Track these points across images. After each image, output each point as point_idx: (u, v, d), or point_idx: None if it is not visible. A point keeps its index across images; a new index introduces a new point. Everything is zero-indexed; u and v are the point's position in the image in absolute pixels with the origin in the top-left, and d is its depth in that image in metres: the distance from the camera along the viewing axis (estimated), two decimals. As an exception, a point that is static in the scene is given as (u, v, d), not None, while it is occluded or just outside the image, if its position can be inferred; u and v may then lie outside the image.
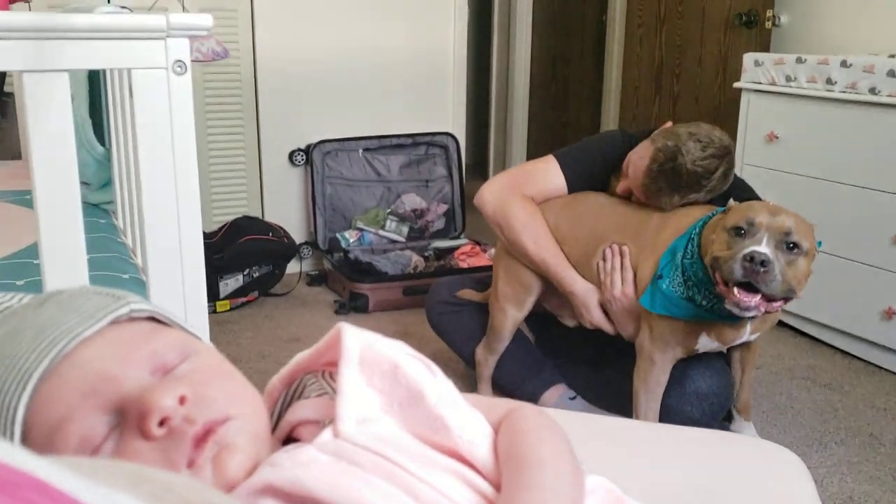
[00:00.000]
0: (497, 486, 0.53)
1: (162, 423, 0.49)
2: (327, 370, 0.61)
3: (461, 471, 0.52)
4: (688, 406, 1.84)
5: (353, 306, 2.88)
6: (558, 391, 2.11)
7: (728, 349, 1.91)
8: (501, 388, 2.14)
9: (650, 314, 1.77)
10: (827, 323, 2.54)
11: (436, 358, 2.25)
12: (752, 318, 1.70)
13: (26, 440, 0.49)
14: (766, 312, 1.58)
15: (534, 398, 2.10)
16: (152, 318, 0.58)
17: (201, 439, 0.50)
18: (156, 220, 0.99)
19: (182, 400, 0.50)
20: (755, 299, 1.53)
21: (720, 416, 1.92)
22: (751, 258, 1.49)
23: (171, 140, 0.96)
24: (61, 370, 0.50)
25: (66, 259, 0.93)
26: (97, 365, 0.51)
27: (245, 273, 2.89)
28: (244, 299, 2.92)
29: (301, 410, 0.59)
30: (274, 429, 0.60)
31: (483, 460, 0.54)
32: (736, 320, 1.70)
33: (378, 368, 0.56)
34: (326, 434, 0.53)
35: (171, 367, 0.54)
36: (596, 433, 1.28)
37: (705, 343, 1.76)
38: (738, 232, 1.56)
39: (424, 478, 0.50)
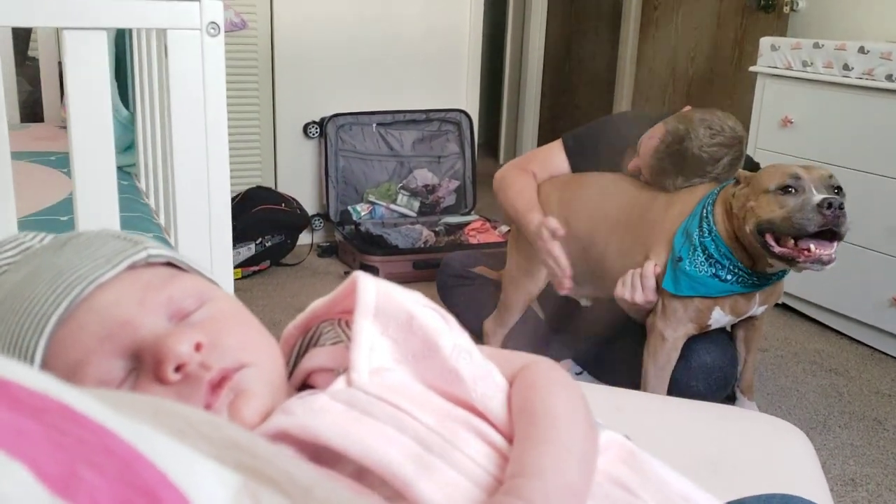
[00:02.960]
0: (510, 440, 0.52)
1: (178, 368, 0.49)
2: (343, 318, 0.61)
3: (474, 423, 0.52)
4: (693, 380, 1.87)
5: (363, 279, 2.89)
6: (565, 366, 2.14)
7: (732, 328, 1.93)
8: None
9: (664, 292, 1.79)
10: (835, 309, 2.56)
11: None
12: (770, 284, 1.73)
13: None
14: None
15: (542, 373, 2.12)
16: (170, 264, 0.58)
17: (217, 385, 0.51)
18: (186, 182, 1.00)
19: (198, 346, 0.50)
20: (834, 248, 1.57)
21: (725, 391, 1.95)
22: (829, 204, 1.52)
23: (203, 101, 0.97)
24: (78, 315, 0.51)
25: (99, 215, 0.96)
26: (113, 310, 0.51)
27: (257, 242, 2.92)
28: (256, 268, 2.94)
29: (316, 358, 0.59)
30: (290, 375, 0.60)
31: (496, 413, 0.53)
32: (758, 288, 1.74)
33: (393, 318, 0.56)
34: (340, 383, 0.52)
35: (188, 313, 0.54)
36: (602, 403, 1.30)
37: (718, 318, 1.79)
38: (786, 190, 1.59)
39: (436, 428, 0.49)
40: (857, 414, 2.08)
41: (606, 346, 2.12)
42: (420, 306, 0.57)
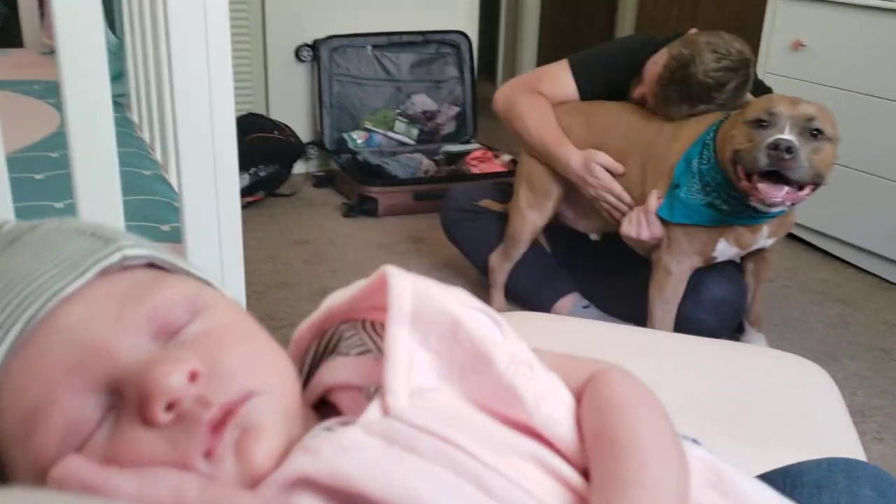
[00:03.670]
0: (582, 471, 0.44)
1: (169, 407, 0.39)
2: (368, 319, 0.51)
3: (540, 454, 0.43)
4: (702, 314, 1.84)
5: (361, 209, 2.83)
6: (572, 300, 2.11)
7: (741, 259, 1.90)
8: (515, 296, 2.13)
9: (668, 224, 1.76)
10: (842, 238, 2.52)
11: (448, 265, 2.24)
12: (772, 217, 1.70)
13: None
14: (793, 204, 1.58)
15: (547, 306, 2.10)
16: (151, 265, 0.47)
17: (220, 423, 0.41)
18: (188, 110, 0.93)
19: (193, 376, 0.40)
20: (782, 192, 1.52)
21: (734, 324, 1.93)
22: (776, 146, 1.48)
23: (203, 20, 0.89)
24: (37, 339, 0.41)
25: (94, 151, 0.89)
26: (83, 331, 0.41)
27: (251, 172, 2.84)
28: (250, 199, 2.87)
29: (338, 371, 0.49)
30: (303, 388, 0.51)
31: (565, 440, 0.45)
32: (756, 221, 1.70)
33: (435, 326, 0.46)
34: (373, 411, 0.43)
35: (178, 328, 0.44)
36: (614, 341, 1.27)
37: (723, 250, 1.76)
38: (759, 124, 1.55)
39: (497, 466, 0.41)
40: (864, 345, 2.07)
41: (614, 279, 2.09)
42: (466, 309, 0.47)
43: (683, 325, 1.84)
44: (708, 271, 1.84)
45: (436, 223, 2.32)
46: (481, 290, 2.19)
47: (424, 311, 0.46)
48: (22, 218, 0.98)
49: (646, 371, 1.17)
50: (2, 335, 0.40)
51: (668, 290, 1.80)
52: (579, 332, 1.32)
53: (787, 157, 1.48)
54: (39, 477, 0.39)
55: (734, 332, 2.03)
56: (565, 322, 1.41)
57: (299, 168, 3.16)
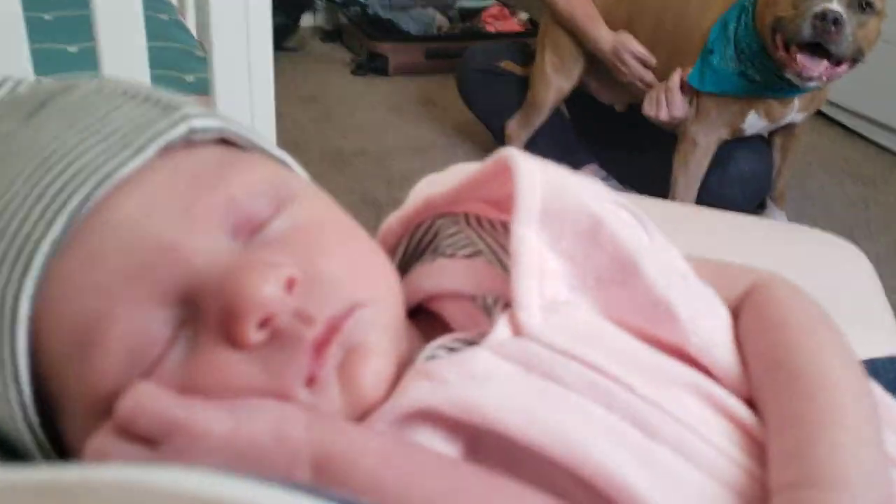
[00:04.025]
0: (747, 402, 0.36)
1: (263, 323, 0.32)
2: (472, 213, 0.43)
3: (704, 386, 0.35)
4: (728, 189, 1.81)
5: (371, 67, 2.72)
6: (590, 171, 2.05)
7: (769, 134, 1.85)
8: (531, 163, 2.08)
9: (697, 93, 1.70)
10: (866, 114, 2.45)
11: (461, 130, 2.17)
12: (804, 92, 1.64)
13: (39, 351, 0.32)
14: (828, 80, 1.52)
15: (565, 176, 2.05)
16: (223, 141, 0.38)
17: (323, 343, 0.33)
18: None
19: (291, 284, 0.32)
20: (821, 66, 1.46)
21: (758, 201, 1.90)
22: (822, 16, 1.40)
23: None
24: (87, 237, 0.32)
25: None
26: (146, 226, 0.32)
27: (256, 24, 2.70)
28: (256, 53, 2.75)
29: (443, 276, 0.41)
30: None
31: (724, 366, 0.37)
32: (788, 94, 1.64)
33: (570, 225, 0.37)
34: (502, 329, 0.35)
35: (261, 223, 0.35)
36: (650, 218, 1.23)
37: (753, 122, 1.71)
38: None
39: (656, 399, 0.33)
40: (883, 225, 2.04)
41: (636, 152, 2.03)
42: (608, 205, 0.39)
43: (707, 200, 1.80)
44: (735, 145, 1.79)
45: (448, 84, 2.24)
46: (497, 156, 2.13)
47: (557, 207, 0.37)
48: (37, 64, 0.91)
49: (676, 245, 1.15)
50: (42, 232, 0.31)
51: (693, 163, 1.76)
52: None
53: (833, 29, 1.40)
54: (97, 409, 0.32)
55: (756, 207, 2.01)
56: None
57: (306, 21, 3.01)
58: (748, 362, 0.38)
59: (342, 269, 0.35)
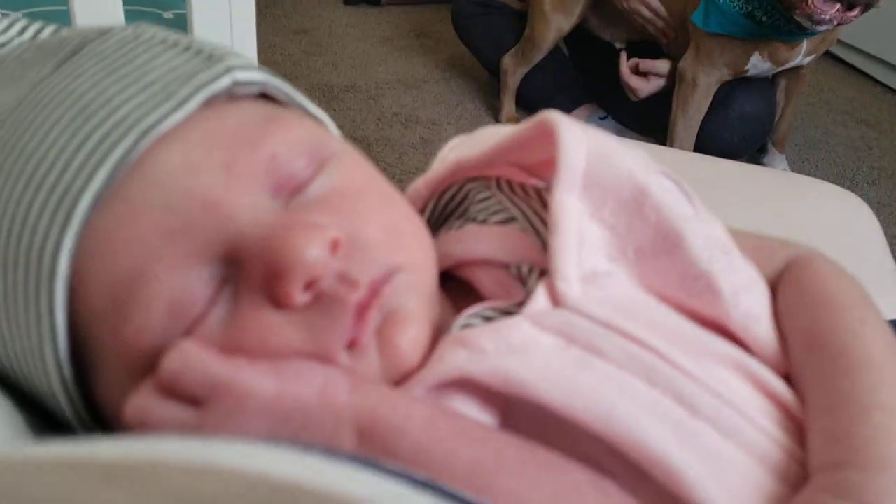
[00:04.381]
0: (785, 378, 0.36)
1: (308, 285, 0.31)
2: (504, 179, 0.41)
3: (743, 361, 0.35)
4: (728, 131, 1.76)
5: (363, -3, 2.62)
6: (588, 110, 1.99)
7: (774, 76, 1.78)
8: (526, 102, 2.01)
9: (699, 32, 1.63)
10: (873, 53, 2.37)
11: (454, 64, 2.10)
12: (813, 35, 1.58)
13: (77, 308, 0.31)
14: (839, 24, 1.46)
15: (561, 115, 1.99)
16: (264, 96, 0.37)
17: (365, 306, 0.32)
18: None
19: (335, 246, 0.32)
20: (833, 9, 1.40)
21: (759, 144, 1.85)
22: None
23: None
24: (129, 190, 0.31)
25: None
26: (188, 182, 0.31)
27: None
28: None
29: (476, 243, 0.39)
30: None
31: (764, 342, 0.36)
32: (796, 38, 1.58)
33: (612, 194, 0.36)
34: (540, 299, 0.34)
35: (302, 182, 0.34)
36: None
37: (756, 64, 1.65)
38: None
39: (698, 375, 0.32)
40: (886, 170, 2.00)
41: (635, 89, 1.96)
42: (653, 174, 0.37)
43: (707, 141, 1.75)
44: (737, 84, 1.73)
45: (442, 16, 2.16)
46: (491, 93, 2.07)
47: (601, 175, 0.36)
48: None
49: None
50: (83, 183, 0.30)
51: (693, 105, 1.70)
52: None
53: None
54: (136, 368, 0.31)
55: (756, 151, 1.95)
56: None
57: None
58: (788, 339, 0.36)
59: (381, 232, 0.34)
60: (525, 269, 0.37)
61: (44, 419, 0.35)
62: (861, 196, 1.91)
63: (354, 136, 1.88)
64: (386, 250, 0.34)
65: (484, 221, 0.40)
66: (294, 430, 0.29)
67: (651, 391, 0.32)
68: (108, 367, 0.32)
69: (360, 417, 0.29)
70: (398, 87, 2.14)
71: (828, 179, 1.95)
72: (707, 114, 1.72)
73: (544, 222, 0.37)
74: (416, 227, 0.37)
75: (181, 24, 0.97)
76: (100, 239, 0.31)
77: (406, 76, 2.21)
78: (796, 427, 0.33)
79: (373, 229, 0.34)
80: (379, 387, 0.31)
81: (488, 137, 0.40)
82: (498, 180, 0.41)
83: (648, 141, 1.91)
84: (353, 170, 0.36)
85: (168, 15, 1.03)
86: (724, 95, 1.72)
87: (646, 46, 1.88)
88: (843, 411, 0.32)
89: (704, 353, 0.34)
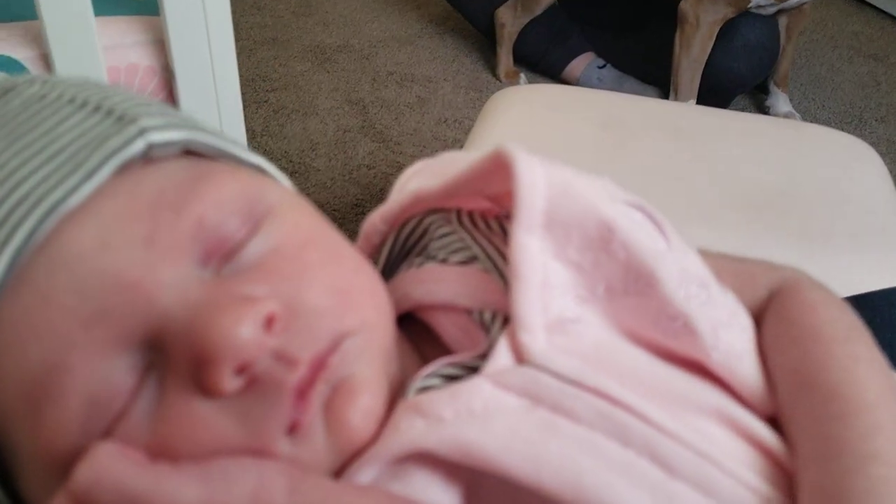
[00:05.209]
0: (770, 421, 0.33)
1: (240, 369, 0.28)
2: (465, 211, 0.39)
3: (724, 407, 0.32)
4: (734, 62, 1.72)
5: (352, -49, 2.55)
6: (586, 59, 1.95)
7: (775, 14, 1.73)
8: (521, 57, 1.97)
9: None
10: (879, -17, 2.31)
11: (448, 17, 2.04)
12: None
13: None
14: None
15: (558, 67, 1.95)
16: (187, 152, 0.33)
17: (308, 384, 0.29)
18: None
19: (270, 321, 0.28)
20: None
21: (764, 74, 1.80)
22: None
23: None
24: (35, 274, 0.28)
25: None
26: (102, 262, 0.28)
27: None
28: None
29: (435, 284, 0.37)
30: None
31: (747, 382, 0.34)
32: None
33: (577, 231, 0.33)
34: (503, 354, 0.31)
35: (235, 244, 0.31)
36: (644, 118, 1.16)
37: (759, 0, 1.61)
38: None
39: (675, 431, 0.30)
40: (894, 106, 1.95)
41: (634, 35, 1.92)
42: (620, 206, 0.34)
43: (713, 75, 1.72)
44: (741, 15, 1.68)
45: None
46: (488, 48, 2.02)
47: (563, 211, 0.33)
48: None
49: (682, 154, 1.08)
50: None
51: (696, 46, 1.66)
52: (604, 106, 1.20)
53: None
54: (55, 470, 0.28)
55: (758, 90, 1.91)
56: (587, 96, 1.29)
57: None
58: (775, 376, 0.34)
59: (327, 295, 0.31)
60: (488, 316, 0.34)
61: None
62: (870, 134, 1.89)
63: (349, 98, 1.85)
64: (333, 315, 0.30)
65: (444, 261, 0.37)
66: None
67: (625, 452, 0.29)
68: (28, 469, 0.29)
69: None
70: (392, 45, 2.10)
71: (835, 118, 1.91)
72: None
73: (508, 263, 0.34)
74: (366, 282, 0.34)
75: (152, 8, 0.94)
76: (7, 332, 0.28)
77: (400, 32, 2.16)
78: (785, 478, 0.31)
79: (317, 293, 0.30)
80: (321, 483, 0.28)
81: (448, 166, 0.37)
82: (459, 213, 0.39)
83: (648, 87, 1.88)
84: (294, 224, 0.32)
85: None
86: (727, 26, 1.68)
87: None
88: (835, 462, 0.30)
89: (682, 403, 0.32)
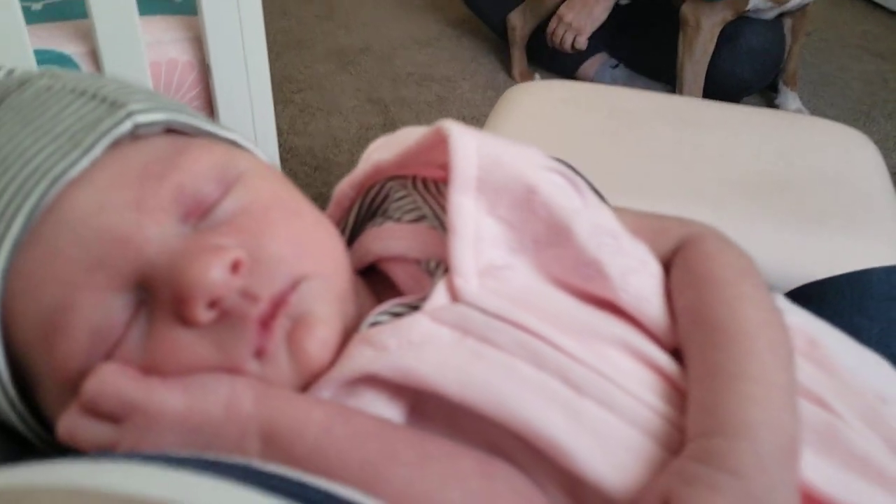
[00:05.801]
0: (673, 352, 0.39)
1: (212, 304, 0.34)
2: (420, 177, 0.45)
3: (629, 338, 0.38)
4: (739, 66, 1.77)
5: (373, -42, 2.63)
6: (599, 60, 2.01)
7: (779, 16, 1.79)
8: (538, 57, 2.04)
9: None
10: (888, -16, 2.35)
11: (466, 20, 2.12)
12: None
13: (11, 338, 0.35)
14: None
15: (572, 68, 2.01)
16: (168, 131, 0.40)
17: (270, 317, 0.35)
18: None
19: (236, 266, 0.34)
20: None
21: (770, 78, 1.86)
22: None
23: None
24: (45, 234, 0.34)
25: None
26: (99, 221, 0.35)
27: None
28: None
29: (390, 240, 0.43)
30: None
31: (654, 319, 0.39)
32: None
33: (505, 192, 0.39)
34: (440, 295, 0.37)
35: (209, 205, 0.37)
36: (651, 111, 1.22)
37: (757, 2, 1.67)
38: None
39: (582, 356, 0.35)
40: (901, 104, 2.00)
41: (644, 36, 1.98)
42: (541, 171, 0.41)
43: (718, 78, 1.77)
44: (743, 20, 1.74)
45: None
46: (504, 49, 2.09)
47: (493, 177, 0.39)
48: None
49: (685, 144, 1.14)
50: (2, 231, 0.34)
51: (698, 47, 1.72)
52: (611, 99, 1.26)
53: None
54: (67, 388, 0.34)
55: (767, 89, 1.97)
56: (595, 90, 1.35)
57: None
58: (676, 314, 0.40)
59: (286, 246, 0.37)
60: (433, 265, 0.40)
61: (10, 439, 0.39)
62: (878, 130, 1.94)
63: (371, 97, 1.92)
64: (291, 262, 0.37)
65: (399, 219, 0.44)
66: (205, 442, 0.32)
67: (539, 374, 0.34)
68: (46, 389, 0.36)
69: (264, 426, 0.32)
70: (412, 47, 2.17)
71: (843, 115, 1.96)
72: (715, 51, 1.74)
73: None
74: (323, 236, 0.40)
75: (191, 7, 1.02)
76: (23, 279, 0.34)
77: (419, 35, 2.24)
78: (680, 398, 0.36)
79: (278, 244, 0.37)
80: (282, 394, 0.34)
81: (402, 140, 0.44)
82: (414, 179, 0.45)
83: (659, 85, 1.94)
84: (260, 188, 0.39)
85: None
86: (731, 31, 1.74)
87: (649, 1, 1.89)
88: (713, 382, 0.35)
89: (592, 335, 0.37)
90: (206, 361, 0.34)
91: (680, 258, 0.43)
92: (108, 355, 0.35)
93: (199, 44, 1.01)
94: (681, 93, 1.78)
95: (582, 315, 0.39)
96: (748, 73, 1.79)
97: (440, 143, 0.40)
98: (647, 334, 0.39)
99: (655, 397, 0.36)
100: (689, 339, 0.38)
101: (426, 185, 0.44)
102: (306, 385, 0.36)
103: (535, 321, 0.36)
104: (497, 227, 0.40)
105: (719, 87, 1.77)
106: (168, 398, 0.33)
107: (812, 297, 0.64)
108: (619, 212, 0.44)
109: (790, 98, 1.92)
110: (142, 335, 0.35)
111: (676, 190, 1.05)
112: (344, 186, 0.46)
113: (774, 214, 1.01)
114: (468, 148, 0.39)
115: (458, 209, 0.39)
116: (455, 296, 0.37)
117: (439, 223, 0.42)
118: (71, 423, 0.33)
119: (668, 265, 0.43)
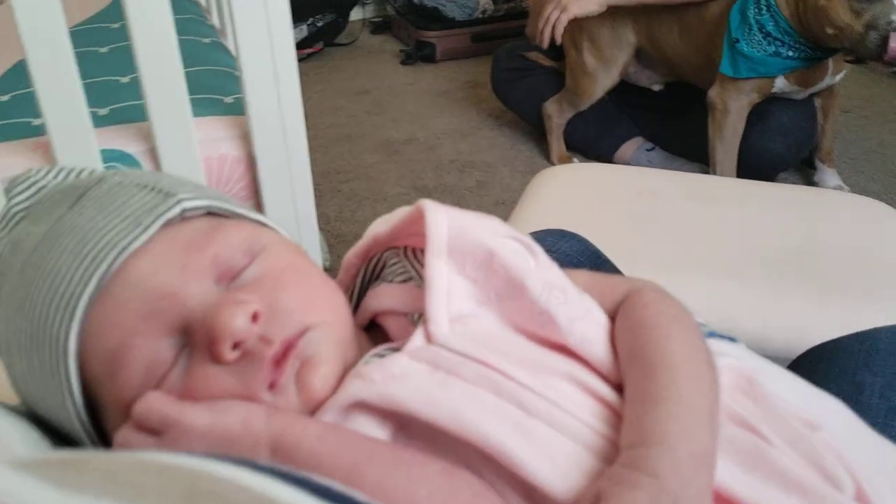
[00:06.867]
0: (617, 388, 0.46)
1: (235, 346, 0.43)
2: (410, 246, 0.54)
3: (576, 374, 0.45)
4: (770, 143, 1.82)
5: (420, 55, 2.79)
6: (635, 144, 2.08)
7: (810, 96, 1.83)
8: (576, 144, 2.11)
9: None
10: (926, 62, 2.37)
11: (506, 110, 2.20)
12: (834, 55, 1.67)
13: (85, 372, 0.45)
14: None
15: (609, 153, 2.08)
16: (209, 214, 0.50)
17: (281, 358, 0.44)
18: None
19: (255, 317, 0.43)
20: None
21: (802, 153, 1.89)
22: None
23: None
24: (113, 291, 0.44)
25: (151, 19, 0.89)
26: (153, 281, 0.44)
27: (308, 23, 2.80)
28: (310, 50, 2.85)
29: (384, 298, 0.53)
30: (354, 311, 0.54)
31: (599, 359, 0.47)
32: (828, 57, 1.67)
33: (470, 256, 0.48)
34: (418, 338, 0.46)
35: (238, 271, 0.47)
36: (677, 190, 1.26)
37: (782, 86, 1.74)
38: None
39: (534, 386, 0.43)
40: (943, 176, 2.00)
41: (678, 120, 2.04)
42: (500, 239, 0.49)
43: (751, 157, 1.81)
44: (774, 98, 1.80)
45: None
46: (542, 136, 2.17)
47: (460, 243, 0.48)
48: (91, 94, 1.02)
49: (712, 220, 1.17)
50: (80, 289, 0.43)
51: (728, 129, 1.78)
52: (641, 181, 1.31)
53: None
54: (124, 411, 0.43)
55: (805, 165, 1.99)
56: (627, 172, 1.40)
57: (356, 14, 3.09)
58: (618, 355, 0.47)
59: (297, 300, 0.46)
60: (417, 317, 0.49)
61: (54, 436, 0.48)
62: (919, 204, 1.93)
63: (415, 184, 2.01)
64: (300, 314, 0.46)
65: (392, 281, 0.53)
66: (225, 450, 0.40)
67: (497, 400, 0.42)
68: (109, 411, 0.45)
69: (272, 438, 0.40)
70: (454, 136, 2.27)
71: (884, 190, 1.97)
72: (747, 130, 1.79)
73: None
74: (327, 293, 0.49)
75: (240, 108, 1.11)
76: (96, 325, 0.44)
77: (461, 125, 2.34)
78: (618, 421, 0.43)
79: (290, 299, 0.46)
80: (287, 414, 0.42)
81: (395, 217, 0.52)
82: (405, 248, 0.54)
83: (695, 165, 1.98)
84: (279, 256, 0.48)
85: (229, 100, 1.17)
86: (762, 110, 1.79)
87: (681, 86, 1.96)
88: (641, 404, 0.43)
89: (544, 370, 0.44)
90: (230, 391, 0.43)
91: (622, 308, 0.50)
92: (156, 386, 0.44)
93: (246, 141, 1.10)
94: (714, 173, 1.82)
95: (536, 354, 0.46)
96: (780, 149, 1.82)
97: (420, 218, 0.49)
98: (594, 371, 0.46)
99: (596, 420, 0.43)
100: (627, 373, 0.46)
101: (414, 253, 0.53)
102: (311, 412, 0.44)
103: (495, 358, 0.44)
104: (465, 283, 0.48)
105: (753, 165, 1.81)
106: (197, 417, 0.41)
107: (824, 356, 0.68)
108: (575, 273, 0.52)
109: (828, 175, 1.94)
110: (183, 370, 0.44)
111: (701, 263, 1.08)
112: (350, 256, 0.55)
113: (797, 285, 1.03)
114: (440, 220, 0.48)
115: (432, 269, 0.47)
116: (430, 338, 0.45)
117: (422, 283, 0.49)
118: (125, 436, 0.42)
119: (612, 316, 0.50)
